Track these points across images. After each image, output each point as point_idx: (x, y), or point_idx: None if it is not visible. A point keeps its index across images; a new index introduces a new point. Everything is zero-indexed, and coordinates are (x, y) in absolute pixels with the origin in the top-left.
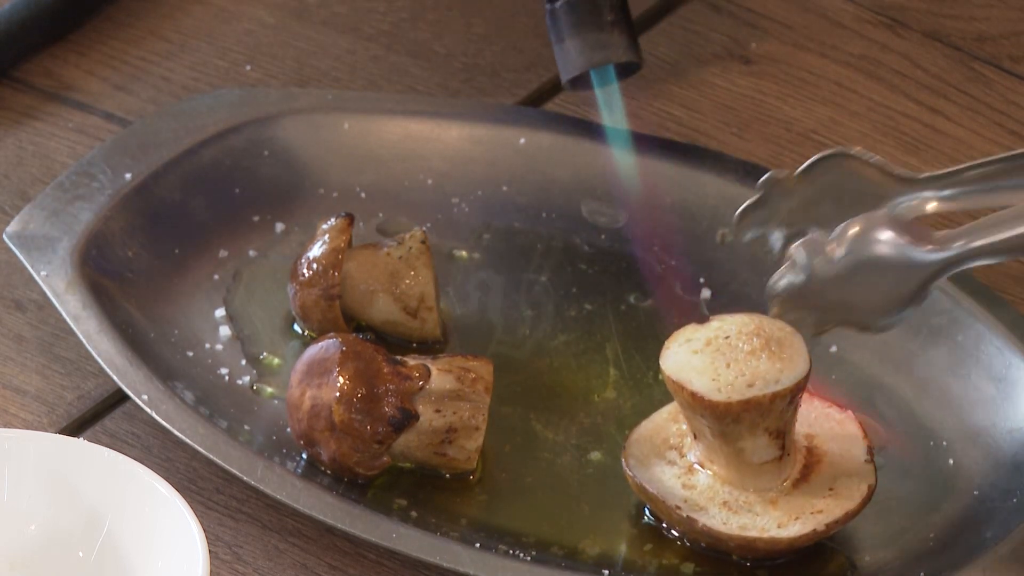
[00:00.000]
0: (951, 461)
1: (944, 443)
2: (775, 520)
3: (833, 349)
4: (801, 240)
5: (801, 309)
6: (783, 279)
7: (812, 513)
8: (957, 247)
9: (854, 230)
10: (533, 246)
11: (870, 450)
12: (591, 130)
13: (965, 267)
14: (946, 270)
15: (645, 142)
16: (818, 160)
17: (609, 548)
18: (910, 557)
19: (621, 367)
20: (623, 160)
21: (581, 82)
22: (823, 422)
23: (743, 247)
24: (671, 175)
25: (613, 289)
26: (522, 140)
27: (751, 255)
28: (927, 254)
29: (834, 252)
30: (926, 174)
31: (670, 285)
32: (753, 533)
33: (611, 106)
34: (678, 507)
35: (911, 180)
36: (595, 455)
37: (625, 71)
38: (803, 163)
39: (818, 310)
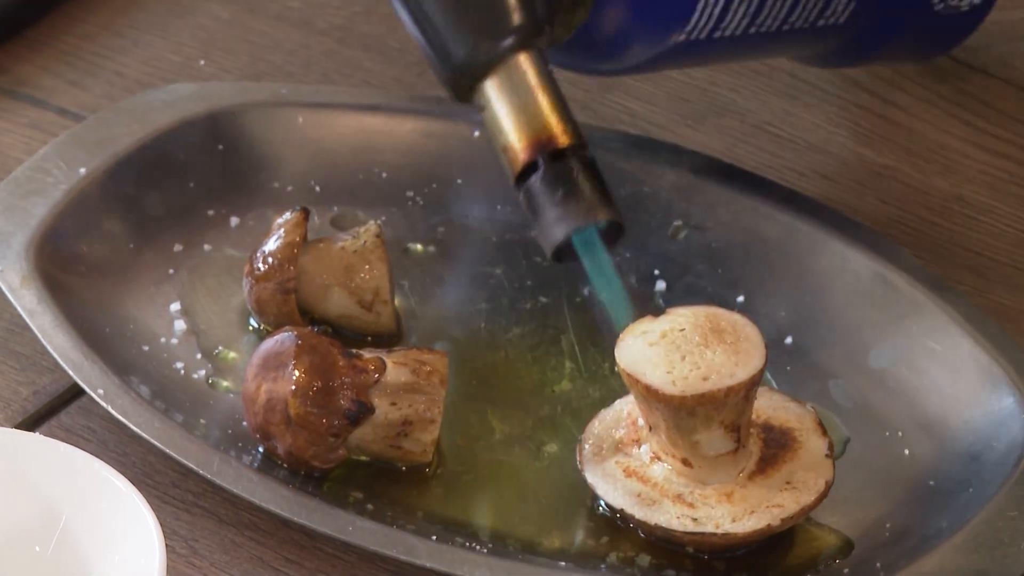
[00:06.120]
0: (906, 451)
1: (899, 433)
2: (730, 514)
3: (789, 340)
4: None
5: None
6: None
7: (768, 507)
8: None
9: None
10: (488, 239)
11: (830, 445)
12: (623, 283)
13: None
14: None
15: (599, 134)
16: None
17: (565, 540)
18: (866, 548)
19: (576, 359)
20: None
21: (567, 251)
22: (782, 415)
23: (697, 239)
24: (626, 167)
25: (568, 281)
26: (476, 133)
27: (706, 247)
28: None
29: None
30: None
31: (625, 277)
32: (708, 528)
33: (602, 274)
34: (630, 506)
35: None
36: (551, 447)
37: (611, 237)
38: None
39: None
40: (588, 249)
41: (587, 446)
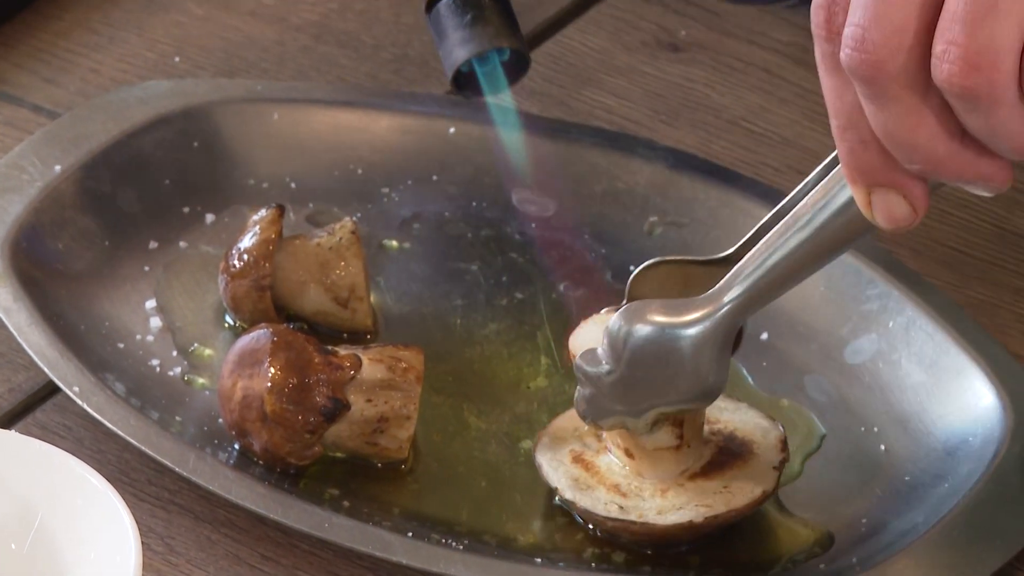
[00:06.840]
0: (882, 447)
1: (875, 429)
2: (657, 508)
3: (764, 336)
4: (580, 353)
5: (614, 417)
6: (578, 397)
7: (696, 506)
8: (721, 312)
9: (614, 329)
10: (463, 235)
11: (782, 462)
12: (521, 119)
13: (740, 322)
14: (726, 331)
15: (574, 130)
16: (631, 285)
17: (541, 536)
18: (843, 542)
19: (552, 355)
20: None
21: (470, 84)
22: (749, 428)
23: (673, 235)
24: (601, 163)
25: (544, 278)
26: (452, 129)
27: (681, 243)
28: (692, 329)
29: (606, 358)
30: (729, 251)
31: (601, 273)
32: (631, 516)
33: (502, 108)
34: (564, 487)
35: (720, 260)
36: (526, 443)
37: (514, 73)
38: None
39: (630, 411)
40: (490, 80)
41: (548, 433)
